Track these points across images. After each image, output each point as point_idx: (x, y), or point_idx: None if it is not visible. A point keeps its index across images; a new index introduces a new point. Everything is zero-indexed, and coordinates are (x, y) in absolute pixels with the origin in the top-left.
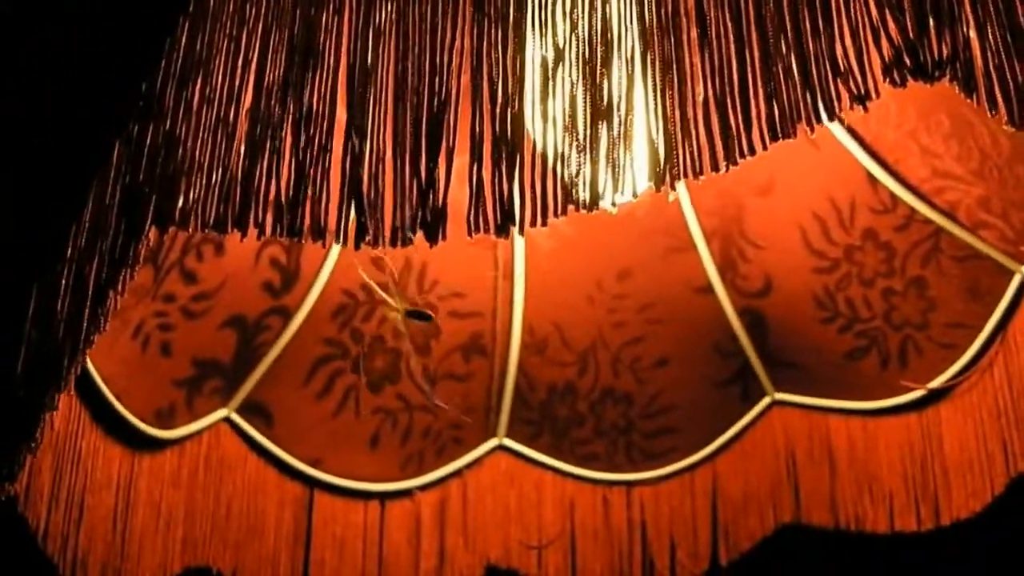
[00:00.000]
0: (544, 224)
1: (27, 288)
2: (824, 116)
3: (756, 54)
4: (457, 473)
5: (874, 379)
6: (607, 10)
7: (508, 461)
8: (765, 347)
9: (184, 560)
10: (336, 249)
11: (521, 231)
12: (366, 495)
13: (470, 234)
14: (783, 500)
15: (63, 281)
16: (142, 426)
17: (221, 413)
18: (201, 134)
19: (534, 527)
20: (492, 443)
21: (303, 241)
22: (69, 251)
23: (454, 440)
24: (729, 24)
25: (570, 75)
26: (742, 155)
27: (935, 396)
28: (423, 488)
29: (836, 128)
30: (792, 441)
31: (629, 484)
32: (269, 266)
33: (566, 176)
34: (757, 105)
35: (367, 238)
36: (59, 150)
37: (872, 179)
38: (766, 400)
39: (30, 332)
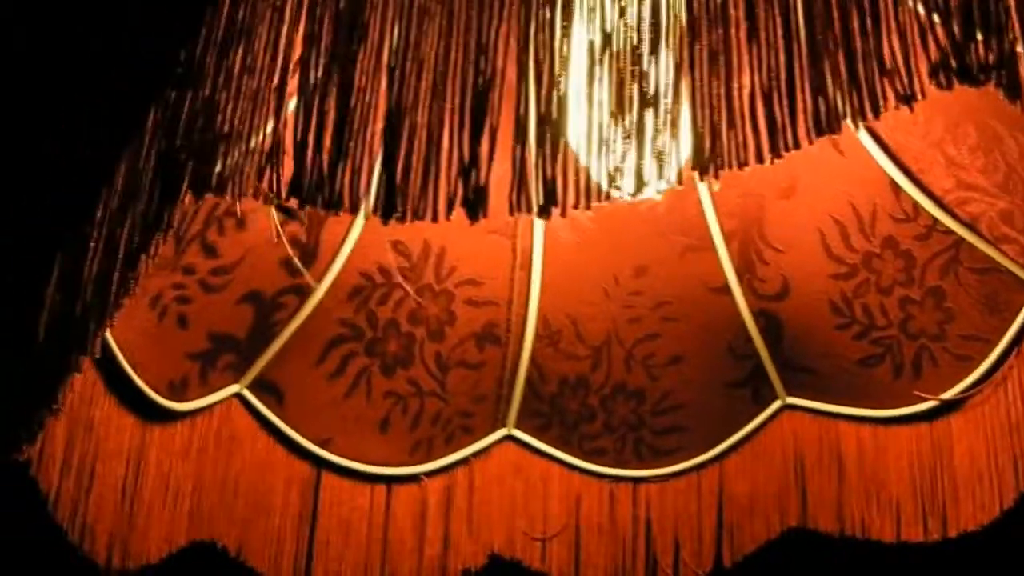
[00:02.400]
0: (588, 208)
1: (51, 251)
2: (870, 114)
3: (804, 49)
4: (465, 461)
5: (887, 387)
6: None
7: (516, 452)
8: (779, 350)
9: (190, 534)
10: (356, 230)
11: (563, 213)
12: (373, 478)
13: (512, 214)
14: (790, 504)
15: (92, 244)
16: (155, 397)
17: (233, 389)
18: (241, 103)
19: (539, 519)
20: (501, 433)
21: (339, 213)
22: (99, 214)
23: (463, 428)
24: (778, 18)
25: (617, 61)
26: (787, 149)
27: (947, 407)
28: (430, 474)
29: (862, 134)
30: (801, 446)
31: (636, 480)
32: (289, 243)
33: (610, 162)
34: (803, 100)
35: (401, 213)
36: (93, 113)
37: (895, 187)
38: (777, 403)
39: (53, 294)
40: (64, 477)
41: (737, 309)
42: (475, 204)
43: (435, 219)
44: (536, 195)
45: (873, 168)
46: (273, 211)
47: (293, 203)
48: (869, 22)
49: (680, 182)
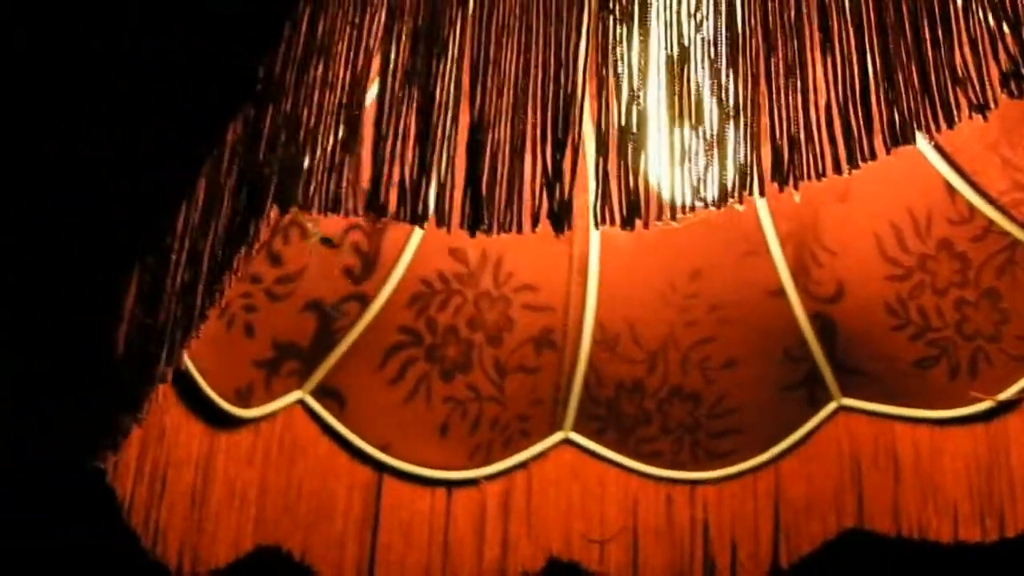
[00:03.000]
0: (673, 219)
1: (127, 262)
2: (944, 124)
3: (877, 61)
4: (522, 465)
5: (943, 388)
6: (732, 12)
7: (573, 455)
8: (834, 352)
9: (255, 538)
10: (416, 238)
11: (647, 225)
12: (433, 482)
13: (596, 227)
14: (846, 505)
15: (173, 256)
16: (223, 404)
17: (296, 395)
18: (322, 118)
19: (597, 521)
20: (558, 436)
21: (423, 227)
22: (180, 228)
23: (521, 432)
24: (851, 30)
25: (696, 74)
26: (863, 159)
27: (1003, 408)
28: (489, 478)
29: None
30: (857, 447)
31: (693, 483)
32: (351, 251)
33: (693, 173)
34: (879, 110)
35: (487, 226)
36: (172, 127)
37: (951, 189)
38: (832, 405)
39: (133, 306)
40: (137, 484)
41: (792, 312)
42: (560, 217)
43: (520, 231)
44: (620, 208)
45: (928, 171)
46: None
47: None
48: (940, 33)
49: (762, 193)
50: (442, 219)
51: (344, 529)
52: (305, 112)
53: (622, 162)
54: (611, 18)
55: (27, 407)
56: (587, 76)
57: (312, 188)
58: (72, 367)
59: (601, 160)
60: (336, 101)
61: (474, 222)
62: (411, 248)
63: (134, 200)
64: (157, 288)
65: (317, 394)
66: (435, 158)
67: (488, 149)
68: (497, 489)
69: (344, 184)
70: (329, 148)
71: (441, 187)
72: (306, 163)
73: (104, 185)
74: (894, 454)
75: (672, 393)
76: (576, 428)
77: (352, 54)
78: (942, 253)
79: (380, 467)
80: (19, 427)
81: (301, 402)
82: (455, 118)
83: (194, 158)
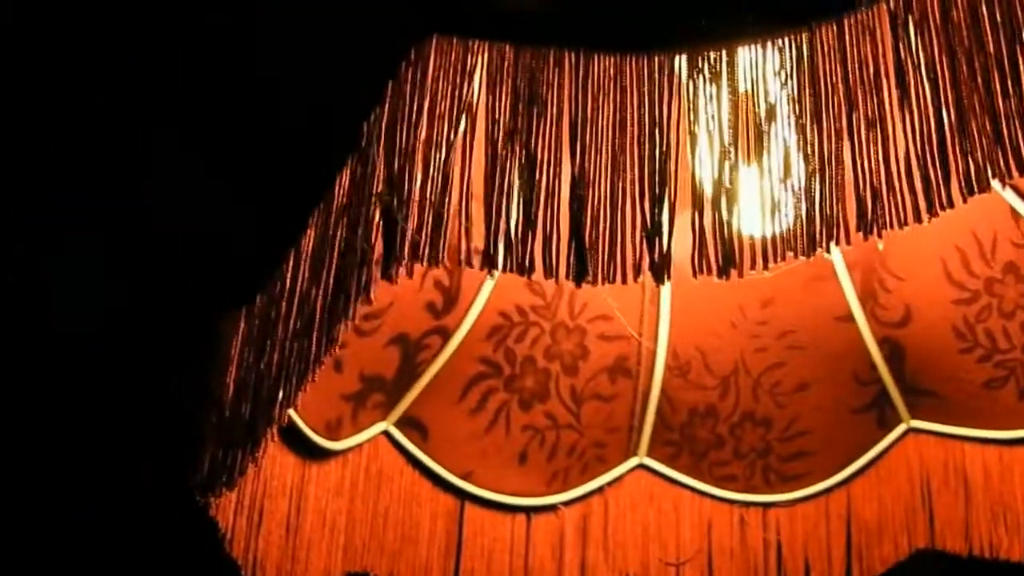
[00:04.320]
0: (765, 269)
1: (235, 307)
2: (1016, 171)
3: (952, 113)
4: (599, 490)
5: (1011, 409)
6: (814, 70)
7: (648, 479)
8: (902, 375)
9: (345, 565)
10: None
11: (741, 275)
12: (513, 509)
13: (695, 276)
14: (917, 526)
15: (283, 304)
16: (314, 437)
17: (381, 426)
18: (431, 173)
19: (672, 544)
20: (633, 462)
21: (530, 278)
22: (288, 277)
23: (597, 458)
24: (927, 85)
25: (782, 130)
26: (942, 208)
27: None
28: (567, 504)
29: None
30: (927, 468)
31: (765, 505)
32: (433, 287)
33: (782, 225)
34: (955, 161)
35: (592, 278)
36: (279, 178)
37: (1015, 214)
38: (902, 427)
39: (242, 350)
40: (238, 516)
41: (861, 336)
42: (660, 269)
43: (624, 282)
44: (715, 259)
45: (993, 196)
46: None
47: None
48: (1010, 85)
49: (848, 242)
50: (549, 271)
51: (429, 555)
52: (410, 167)
53: (716, 215)
54: (700, 77)
55: (140, 442)
56: (680, 133)
57: (419, 241)
58: (184, 407)
59: (696, 214)
60: (440, 158)
61: (579, 274)
62: (490, 282)
63: (241, 248)
64: (267, 334)
65: (401, 425)
66: (539, 213)
67: (590, 204)
68: (575, 514)
69: (450, 237)
70: (434, 203)
71: (547, 240)
72: (411, 217)
73: (212, 233)
74: (964, 474)
75: (744, 418)
76: (650, 453)
77: (454, 112)
78: (1008, 276)
79: (462, 495)
80: (132, 463)
81: (386, 433)
82: (557, 174)
83: (301, 210)
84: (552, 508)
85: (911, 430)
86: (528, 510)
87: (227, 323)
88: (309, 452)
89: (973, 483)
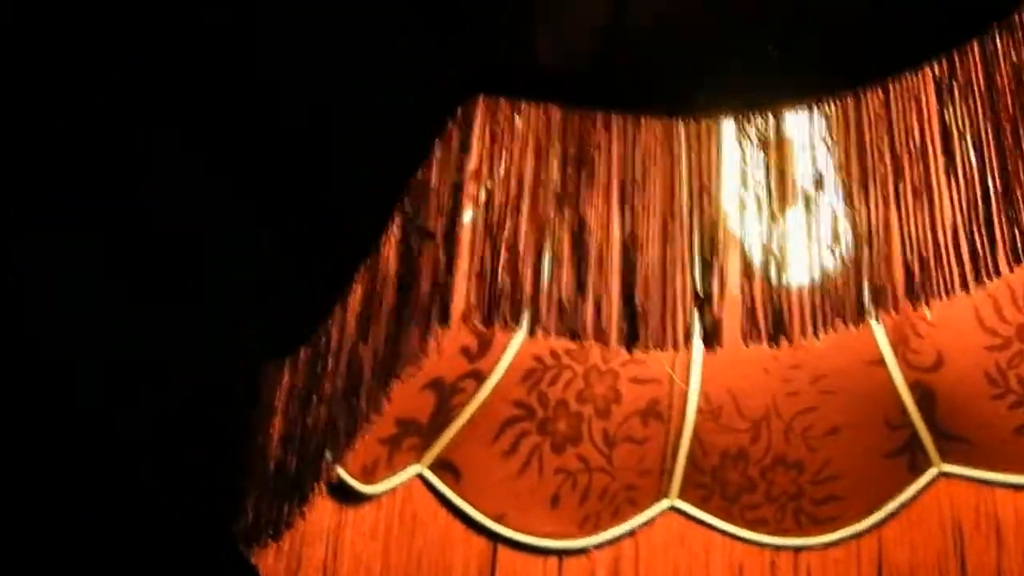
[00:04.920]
0: (816, 337)
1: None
2: None
3: (997, 181)
4: (630, 533)
5: None
6: (861, 138)
7: (679, 522)
8: (934, 420)
9: None
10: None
11: (791, 342)
12: (546, 551)
13: (745, 344)
14: (949, 570)
15: (330, 359)
16: (351, 482)
17: (415, 469)
18: (479, 235)
19: None
20: (664, 504)
21: (582, 344)
22: (333, 331)
23: (629, 501)
24: (972, 153)
25: (830, 197)
26: (988, 276)
27: None
28: (598, 546)
29: None
30: (958, 513)
31: (797, 549)
32: (467, 332)
33: (831, 292)
34: (1000, 229)
35: (644, 344)
36: (322, 235)
37: None
38: (933, 471)
39: (287, 403)
40: (277, 560)
41: (892, 381)
42: (711, 336)
43: (675, 349)
44: (765, 326)
45: None
46: None
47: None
48: None
49: (896, 311)
50: (600, 337)
51: None
52: (457, 229)
53: (765, 281)
54: (749, 144)
55: (185, 489)
56: (728, 199)
57: (468, 303)
58: (226, 452)
59: (745, 280)
60: (488, 219)
61: (631, 340)
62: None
63: (284, 299)
64: (313, 389)
65: (435, 467)
66: (590, 277)
67: (640, 269)
68: (606, 557)
69: (499, 300)
70: (482, 265)
71: (597, 305)
72: (460, 280)
73: (254, 284)
74: (996, 519)
75: (775, 461)
76: (682, 496)
77: (502, 174)
78: None
79: (495, 537)
80: (174, 510)
81: (420, 476)
82: (607, 238)
83: (347, 265)
84: (584, 551)
85: (942, 474)
86: (560, 553)
87: (270, 372)
88: (345, 496)
89: (1005, 528)
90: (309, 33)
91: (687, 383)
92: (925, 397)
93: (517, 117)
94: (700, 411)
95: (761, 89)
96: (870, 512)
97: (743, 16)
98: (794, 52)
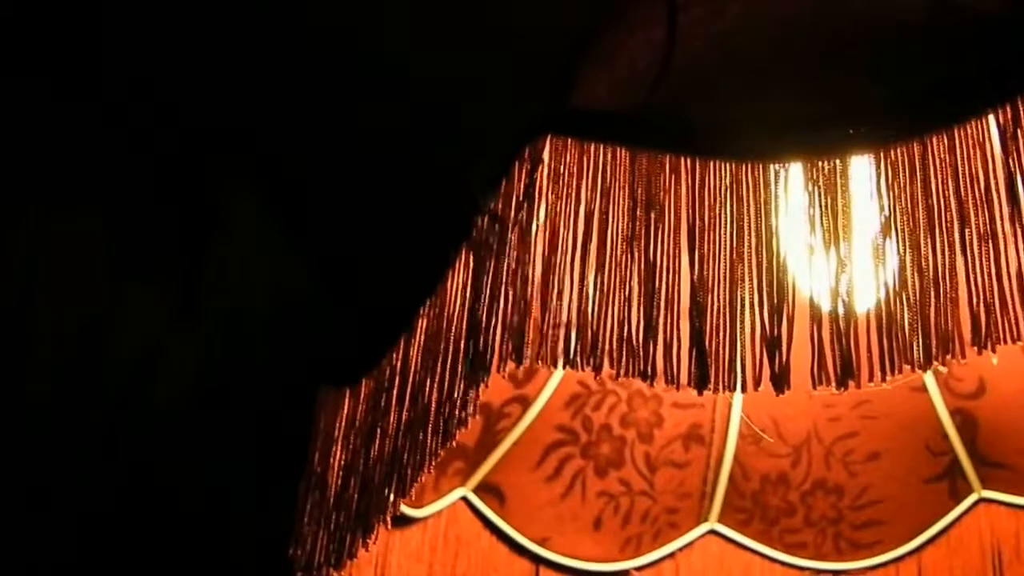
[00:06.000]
0: (883, 381)
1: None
2: None
3: None
4: (671, 555)
5: None
6: (927, 184)
7: (719, 545)
8: (974, 446)
9: None
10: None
11: (859, 386)
12: (588, 574)
13: (814, 387)
14: None
15: (394, 392)
16: (401, 506)
17: (460, 492)
18: (549, 276)
19: None
20: (705, 527)
21: (652, 384)
22: (400, 366)
23: (670, 524)
24: None
25: (897, 243)
26: None
27: None
28: (639, 569)
29: None
30: (999, 539)
31: (836, 573)
32: None
33: (899, 338)
34: None
35: (713, 386)
36: (389, 274)
37: None
38: (973, 497)
39: (347, 434)
40: None
41: (934, 407)
42: (780, 380)
43: (744, 392)
44: (834, 371)
45: None
46: None
47: None
48: None
49: (963, 357)
50: (670, 379)
51: None
52: (525, 270)
53: (833, 327)
54: (815, 188)
55: (237, 513)
56: (796, 243)
57: (537, 347)
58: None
59: (814, 325)
60: (559, 260)
61: (701, 382)
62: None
63: (346, 328)
64: (376, 421)
65: (479, 491)
66: (660, 319)
67: (709, 312)
68: None
69: (568, 341)
70: (553, 306)
71: (667, 347)
72: (529, 319)
73: (310, 310)
74: None
75: (816, 486)
76: (722, 519)
77: (571, 215)
78: None
79: (538, 560)
80: (226, 535)
81: (464, 499)
82: (676, 281)
83: (412, 301)
84: (625, 574)
85: (982, 500)
86: (602, 575)
87: (329, 401)
88: (394, 520)
89: None
90: (382, 72)
91: (730, 407)
92: (966, 423)
93: (585, 158)
94: (742, 435)
95: (828, 134)
96: (910, 538)
97: (808, 58)
98: (861, 96)
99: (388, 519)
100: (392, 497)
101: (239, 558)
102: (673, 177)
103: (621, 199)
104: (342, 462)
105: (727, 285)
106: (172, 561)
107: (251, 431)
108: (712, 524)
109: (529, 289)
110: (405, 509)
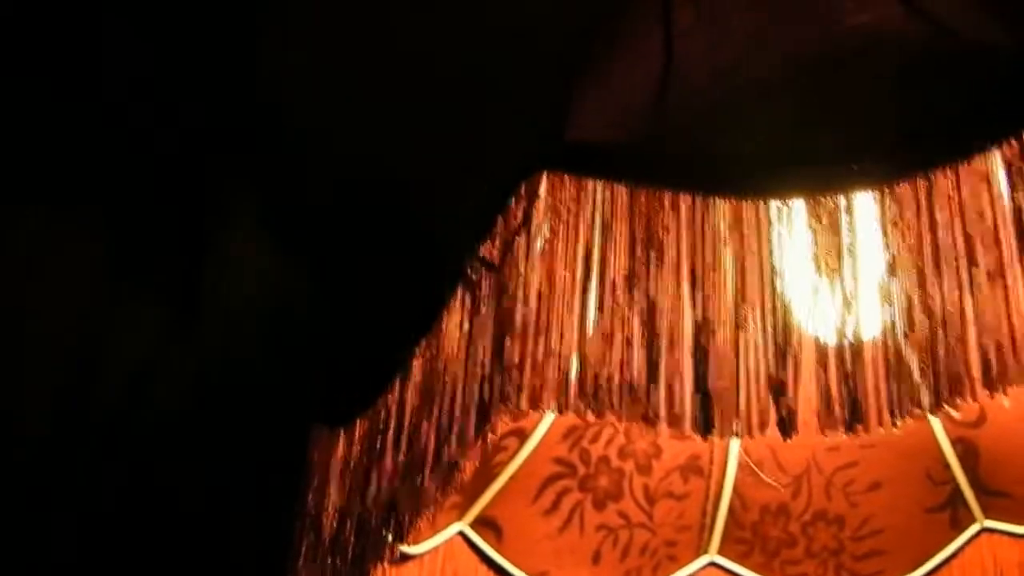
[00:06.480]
0: (893, 425)
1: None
2: None
3: None
4: None
5: None
6: (933, 223)
7: None
8: (976, 475)
9: None
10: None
11: (868, 430)
12: None
13: (823, 432)
14: None
15: (389, 435)
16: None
17: (457, 527)
18: (545, 316)
19: None
20: (704, 560)
21: (655, 428)
22: (395, 408)
23: (669, 556)
24: None
25: (903, 282)
26: None
27: None
28: None
29: None
30: (1001, 568)
31: None
32: None
33: (909, 381)
34: None
35: (718, 431)
36: (383, 312)
37: None
38: (975, 527)
39: (342, 476)
40: None
41: (935, 436)
42: (786, 424)
43: (750, 436)
44: (842, 415)
45: None
46: None
47: None
48: None
49: (974, 398)
50: (673, 422)
51: None
52: (523, 311)
53: (840, 369)
54: (820, 228)
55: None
56: (801, 283)
57: (536, 390)
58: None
59: (822, 371)
60: (554, 300)
61: (705, 427)
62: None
63: (340, 367)
64: (371, 464)
65: (476, 525)
66: (662, 361)
67: (712, 354)
68: None
69: (567, 383)
70: (549, 347)
71: (669, 390)
72: (525, 361)
73: (307, 348)
74: None
75: (816, 516)
76: (722, 551)
77: (568, 253)
78: None
79: None
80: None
81: (461, 533)
82: (679, 321)
83: (408, 341)
84: None
85: (985, 530)
86: None
87: (322, 440)
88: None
89: None
90: (373, 106)
91: (728, 439)
92: (968, 452)
93: (582, 195)
94: (741, 466)
95: (831, 169)
96: (912, 568)
97: (811, 92)
98: (866, 131)
99: (386, 564)
100: (390, 540)
101: (239, 558)
102: (674, 214)
103: (620, 237)
104: (337, 505)
105: (731, 326)
106: (172, 561)
107: (251, 431)
108: (712, 556)
109: (527, 331)
110: (404, 547)
